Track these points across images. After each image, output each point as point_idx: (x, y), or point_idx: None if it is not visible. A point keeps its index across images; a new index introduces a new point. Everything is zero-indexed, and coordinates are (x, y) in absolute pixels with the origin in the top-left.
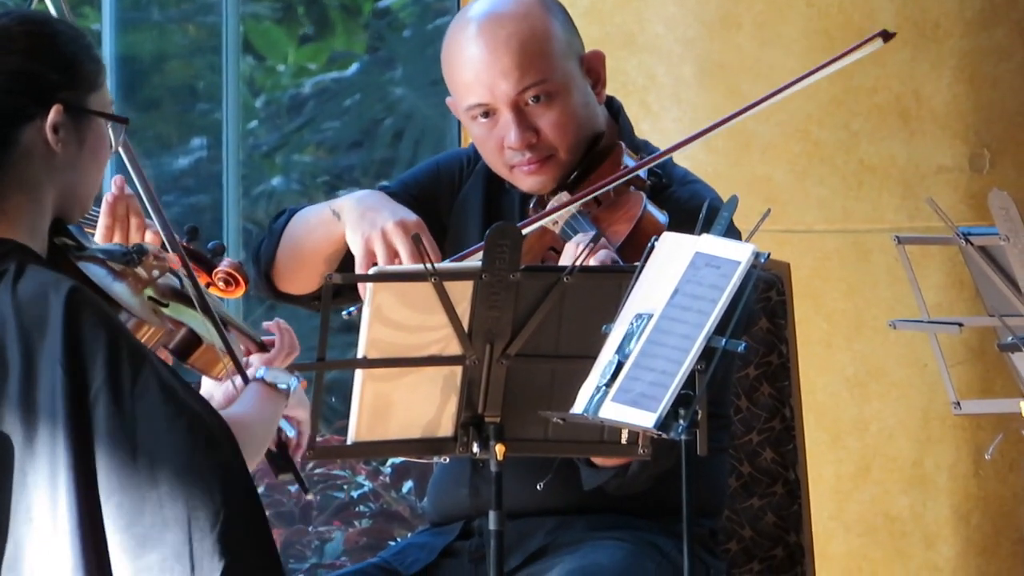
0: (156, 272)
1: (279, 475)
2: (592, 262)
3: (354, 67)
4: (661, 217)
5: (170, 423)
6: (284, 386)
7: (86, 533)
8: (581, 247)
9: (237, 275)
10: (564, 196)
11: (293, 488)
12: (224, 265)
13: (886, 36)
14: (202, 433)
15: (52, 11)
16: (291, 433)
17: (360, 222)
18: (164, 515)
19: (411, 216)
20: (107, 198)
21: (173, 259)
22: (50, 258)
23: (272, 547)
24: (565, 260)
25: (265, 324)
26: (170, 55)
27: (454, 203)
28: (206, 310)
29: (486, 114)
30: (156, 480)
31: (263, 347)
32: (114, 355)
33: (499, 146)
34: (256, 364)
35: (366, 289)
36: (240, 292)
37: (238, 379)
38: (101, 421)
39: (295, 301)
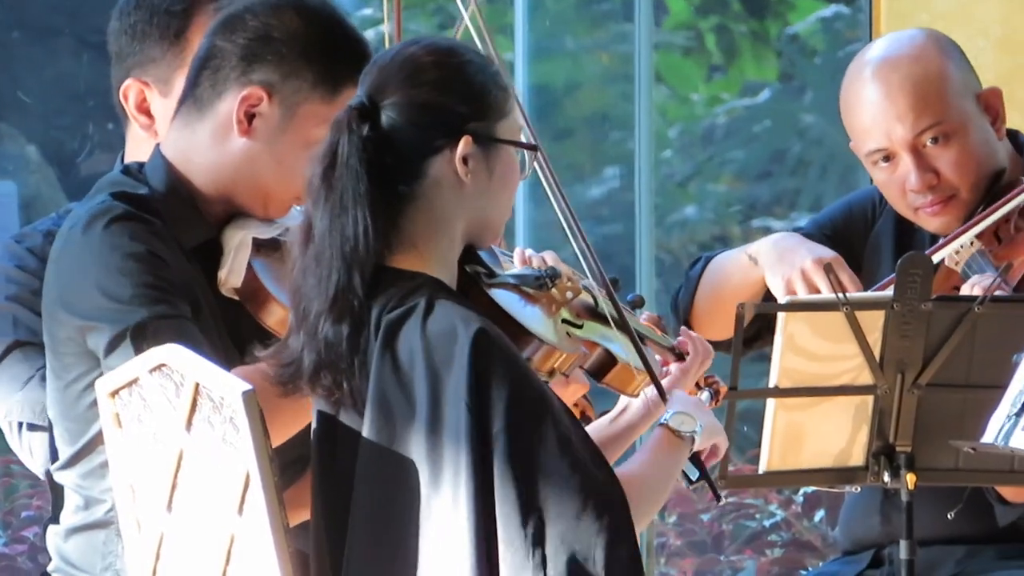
0: (570, 294)
1: (691, 484)
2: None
3: (764, 94)
4: None
5: (564, 481)
6: (688, 432)
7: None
8: (979, 284)
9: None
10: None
11: (705, 518)
12: (643, 319)
13: None
14: (592, 496)
15: (476, 40)
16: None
17: (779, 264)
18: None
19: (828, 252)
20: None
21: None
22: (461, 287)
23: None
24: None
25: (676, 340)
26: (583, 84)
27: (867, 241)
28: (624, 329)
29: (886, 158)
30: (542, 536)
31: (680, 356)
32: (516, 404)
33: (901, 189)
34: (674, 375)
35: (777, 321)
36: None
37: (651, 391)
38: (499, 464)
39: (716, 347)
